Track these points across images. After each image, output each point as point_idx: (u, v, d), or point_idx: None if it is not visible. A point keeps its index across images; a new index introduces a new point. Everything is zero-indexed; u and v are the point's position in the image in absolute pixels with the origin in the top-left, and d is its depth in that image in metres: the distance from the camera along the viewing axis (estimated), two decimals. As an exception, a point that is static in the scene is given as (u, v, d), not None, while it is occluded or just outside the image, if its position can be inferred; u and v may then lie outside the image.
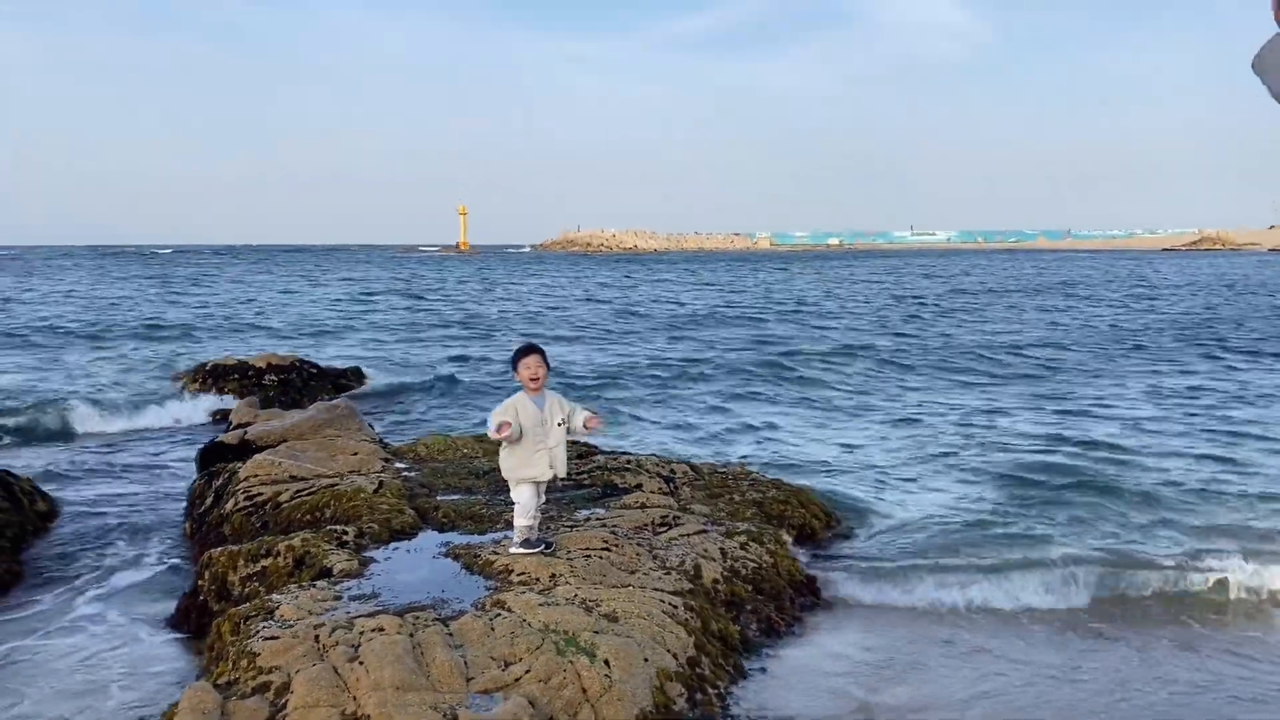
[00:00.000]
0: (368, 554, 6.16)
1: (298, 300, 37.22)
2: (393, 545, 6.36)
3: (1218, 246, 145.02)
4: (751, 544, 6.37)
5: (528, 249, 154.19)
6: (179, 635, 5.77)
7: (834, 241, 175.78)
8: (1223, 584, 6.25)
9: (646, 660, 4.69)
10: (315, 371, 14.49)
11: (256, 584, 5.90)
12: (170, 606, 6.10)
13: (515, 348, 5.94)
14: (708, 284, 53.14)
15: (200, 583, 6.10)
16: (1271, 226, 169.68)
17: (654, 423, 12.24)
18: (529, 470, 5.70)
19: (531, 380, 5.66)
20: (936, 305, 34.39)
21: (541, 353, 5.81)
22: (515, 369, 5.78)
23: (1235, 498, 8.13)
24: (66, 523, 7.76)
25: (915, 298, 38.90)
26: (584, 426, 5.85)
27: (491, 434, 5.55)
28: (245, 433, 8.32)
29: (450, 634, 4.82)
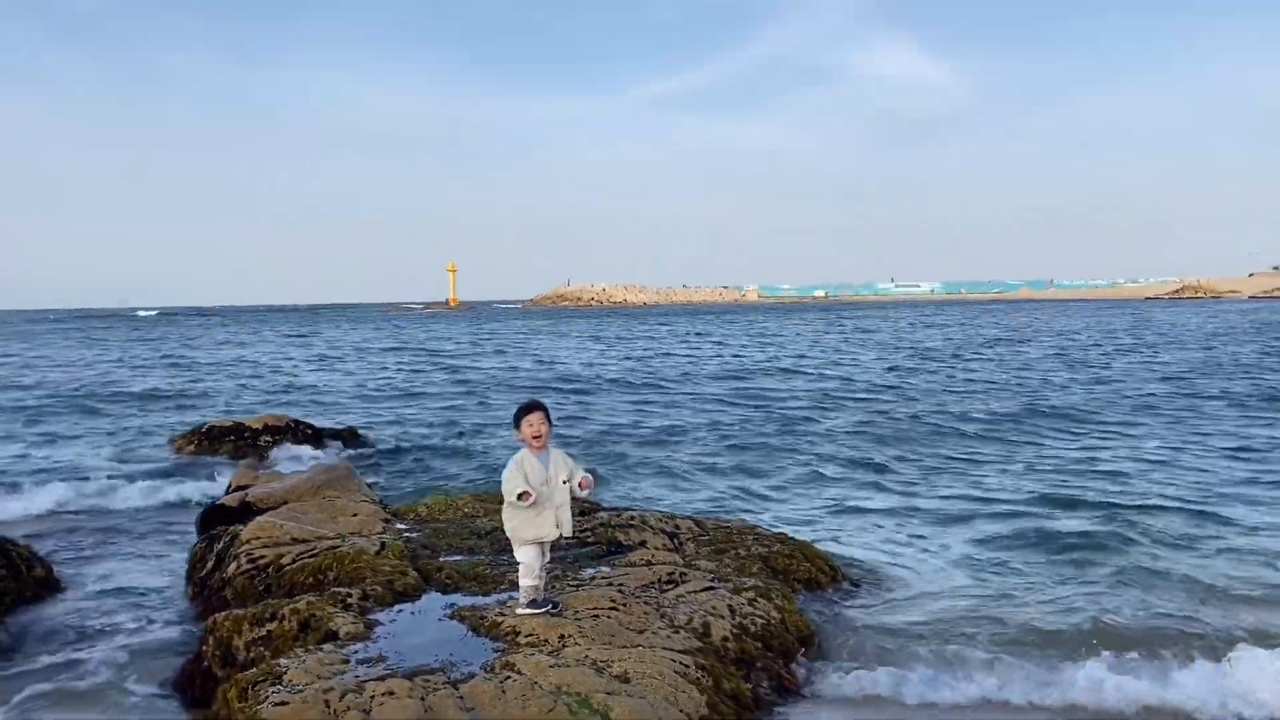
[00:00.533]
0: (372, 616, 6.11)
1: (289, 361, 37.21)
2: (397, 607, 6.31)
3: (1200, 295, 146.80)
4: (760, 600, 6.34)
5: (519, 305, 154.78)
6: (182, 701, 5.69)
7: (820, 294, 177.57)
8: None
9: (660, 721, 4.65)
10: (310, 432, 14.45)
11: (262, 648, 5.84)
12: (173, 672, 6.01)
13: (517, 404, 5.96)
14: (700, 334, 53.39)
15: (204, 648, 6.03)
16: (1251, 274, 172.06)
17: (650, 478, 12.23)
18: (535, 531, 5.69)
19: (535, 438, 5.68)
20: (928, 357, 34.59)
21: (544, 409, 5.83)
22: (517, 427, 5.79)
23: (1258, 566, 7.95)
24: (65, 589, 7.67)
25: (911, 348, 39.14)
26: (579, 486, 5.86)
27: (509, 498, 5.57)
28: (245, 495, 8.28)
29: (461, 697, 4.77)
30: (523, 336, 56.03)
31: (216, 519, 8.10)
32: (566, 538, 5.97)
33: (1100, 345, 39.64)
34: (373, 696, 4.75)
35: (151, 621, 6.96)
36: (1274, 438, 14.54)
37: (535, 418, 5.70)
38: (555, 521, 5.70)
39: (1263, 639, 6.09)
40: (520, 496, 5.52)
